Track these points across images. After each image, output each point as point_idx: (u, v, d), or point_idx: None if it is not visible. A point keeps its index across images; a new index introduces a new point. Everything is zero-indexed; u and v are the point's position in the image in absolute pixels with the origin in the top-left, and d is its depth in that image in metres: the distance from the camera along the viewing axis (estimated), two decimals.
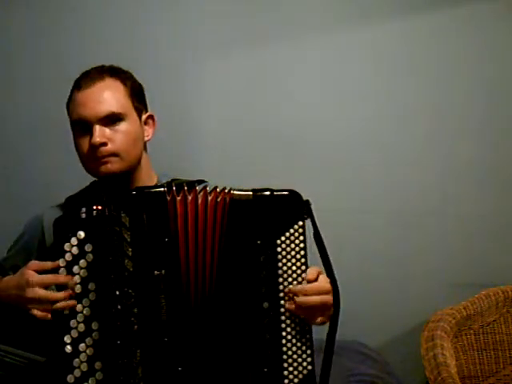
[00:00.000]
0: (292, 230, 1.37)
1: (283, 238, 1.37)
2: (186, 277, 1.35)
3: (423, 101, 2.19)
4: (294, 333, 1.37)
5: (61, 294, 1.31)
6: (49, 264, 1.33)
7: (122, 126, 1.48)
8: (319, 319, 1.38)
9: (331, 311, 1.39)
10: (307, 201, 1.40)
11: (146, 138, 1.56)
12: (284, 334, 1.37)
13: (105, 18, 2.13)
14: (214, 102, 2.18)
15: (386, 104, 2.20)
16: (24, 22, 2.13)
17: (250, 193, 1.39)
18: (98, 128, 1.45)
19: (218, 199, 1.37)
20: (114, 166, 1.47)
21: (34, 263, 1.36)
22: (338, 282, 1.40)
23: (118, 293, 1.31)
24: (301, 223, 1.38)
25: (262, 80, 2.18)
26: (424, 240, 2.23)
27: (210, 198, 1.37)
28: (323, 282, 1.39)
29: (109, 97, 1.47)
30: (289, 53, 2.17)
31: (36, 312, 1.32)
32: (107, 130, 1.46)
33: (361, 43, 2.17)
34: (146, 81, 1.58)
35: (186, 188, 1.37)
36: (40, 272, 1.34)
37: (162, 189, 1.36)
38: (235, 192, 1.39)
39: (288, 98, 2.19)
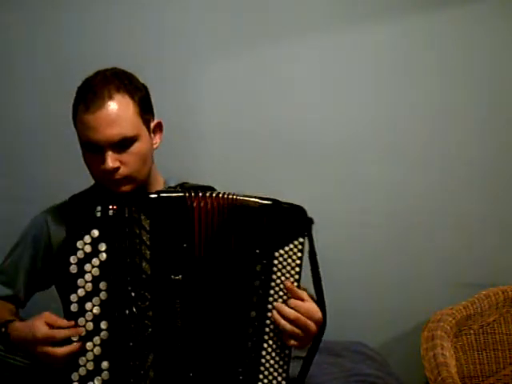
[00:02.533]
0: (292, 245, 1.36)
1: (282, 252, 1.36)
2: (202, 283, 1.35)
3: (423, 101, 2.19)
4: (274, 346, 1.36)
5: (68, 348, 1.29)
6: (64, 322, 1.30)
7: (135, 148, 1.44)
8: (295, 342, 1.34)
9: (309, 340, 1.36)
10: (311, 219, 1.37)
11: (154, 147, 1.54)
12: (265, 345, 1.36)
13: (105, 18, 2.12)
14: (214, 102, 2.17)
15: (386, 104, 2.20)
16: (24, 22, 2.12)
17: (257, 200, 1.37)
18: (110, 154, 1.41)
19: (225, 205, 1.36)
20: (127, 187, 1.46)
21: (47, 316, 1.31)
22: (326, 311, 1.37)
23: (133, 294, 1.30)
24: (301, 240, 1.36)
25: (262, 80, 2.18)
26: (424, 240, 2.24)
27: (215, 204, 1.35)
28: (316, 309, 1.36)
29: (120, 119, 1.41)
30: (289, 52, 2.16)
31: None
32: (119, 154, 1.43)
33: (361, 43, 2.16)
34: (147, 81, 1.58)
35: (200, 194, 1.35)
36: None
37: (182, 194, 1.35)
38: (240, 198, 1.37)
39: (288, 97, 2.18)
